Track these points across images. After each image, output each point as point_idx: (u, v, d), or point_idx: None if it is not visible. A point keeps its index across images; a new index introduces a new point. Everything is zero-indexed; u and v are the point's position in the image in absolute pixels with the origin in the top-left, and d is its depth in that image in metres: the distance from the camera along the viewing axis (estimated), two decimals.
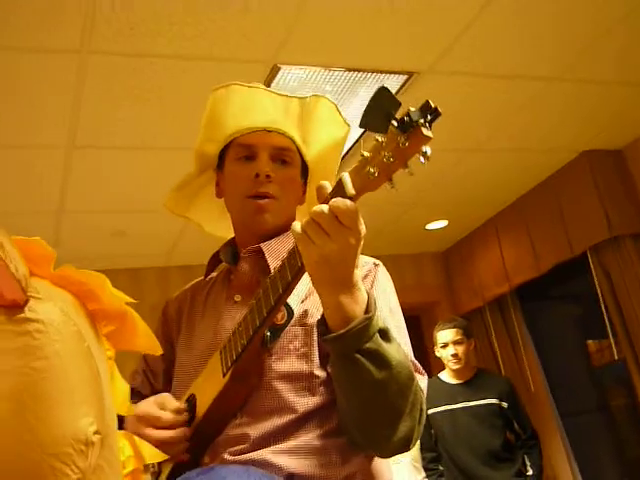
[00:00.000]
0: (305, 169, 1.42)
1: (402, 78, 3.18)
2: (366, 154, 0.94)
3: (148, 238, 4.60)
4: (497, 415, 3.75)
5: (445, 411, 3.77)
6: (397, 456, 1.14)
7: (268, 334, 1.18)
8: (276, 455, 1.13)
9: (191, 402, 1.25)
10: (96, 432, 0.69)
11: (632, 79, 3.54)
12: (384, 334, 1.05)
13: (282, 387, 1.18)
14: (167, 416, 1.18)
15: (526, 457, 3.76)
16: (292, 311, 1.21)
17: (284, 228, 1.34)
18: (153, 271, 5.07)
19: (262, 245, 1.32)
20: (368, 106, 0.90)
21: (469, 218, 5.25)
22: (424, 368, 1.22)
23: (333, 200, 0.95)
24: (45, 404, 0.66)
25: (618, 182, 4.33)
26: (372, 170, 0.92)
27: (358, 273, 1.03)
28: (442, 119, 0.88)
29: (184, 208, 1.52)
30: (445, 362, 3.87)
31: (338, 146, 1.42)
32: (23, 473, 0.64)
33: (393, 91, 3.56)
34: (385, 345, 1.04)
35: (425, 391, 1.16)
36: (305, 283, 1.18)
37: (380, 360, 1.03)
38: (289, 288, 1.08)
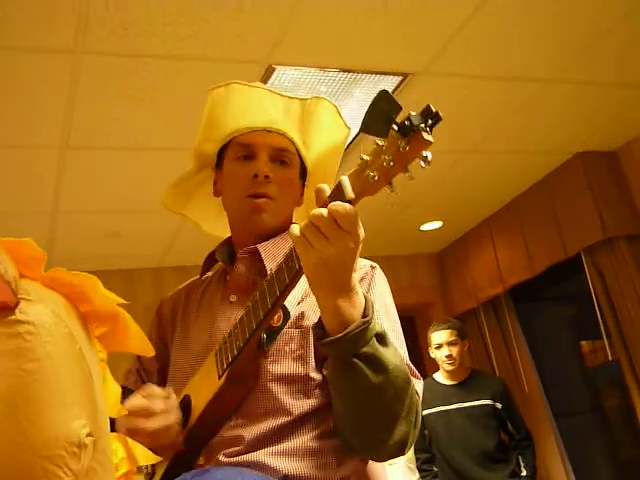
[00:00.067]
0: (304, 171, 1.41)
1: (397, 79, 3.18)
2: (366, 158, 0.93)
3: (142, 239, 4.59)
4: (491, 416, 3.75)
5: (439, 412, 3.77)
6: None
7: (264, 336, 1.17)
8: (271, 457, 1.12)
9: (186, 403, 1.24)
10: (89, 434, 0.69)
11: (628, 81, 3.55)
12: (381, 338, 1.04)
13: (277, 389, 1.17)
14: (157, 404, 1.17)
15: (520, 458, 3.76)
16: (288, 313, 1.20)
17: (281, 229, 1.34)
18: (147, 272, 5.06)
19: (258, 246, 1.31)
20: (369, 110, 0.90)
21: (463, 219, 5.26)
22: (418, 369, 1.22)
23: (332, 204, 0.94)
24: (37, 406, 0.65)
25: (612, 184, 4.34)
26: (372, 174, 0.91)
27: (355, 276, 1.02)
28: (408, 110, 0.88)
29: (181, 205, 1.51)
30: (439, 363, 3.87)
31: (338, 149, 1.42)
32: (15, 475, 0.64)
33: None
34: (382, 349, 1.03)
35: (421, 395, 1.15)
36: (301, 285, 1.18)
37: (377, 364, 1.02)
38: (286, 291, 1.07)
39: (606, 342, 4.34)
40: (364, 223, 0.99)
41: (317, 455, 1.14)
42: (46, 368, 0.66)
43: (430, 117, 0.86)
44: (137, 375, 1.44)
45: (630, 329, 4.09)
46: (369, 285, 1.25)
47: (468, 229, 5.47)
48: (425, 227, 5.30)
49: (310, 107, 1.37)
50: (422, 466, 3.82)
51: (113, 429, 0.94)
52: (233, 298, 1.33)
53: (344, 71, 3.06)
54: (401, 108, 0.88)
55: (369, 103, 0.91)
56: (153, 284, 4.97)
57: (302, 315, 1.23)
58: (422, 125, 0.86)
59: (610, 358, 4.36)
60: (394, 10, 2.69)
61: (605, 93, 3.64)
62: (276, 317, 1.19)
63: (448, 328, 3.84)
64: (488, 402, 3.76)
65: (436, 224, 5.27)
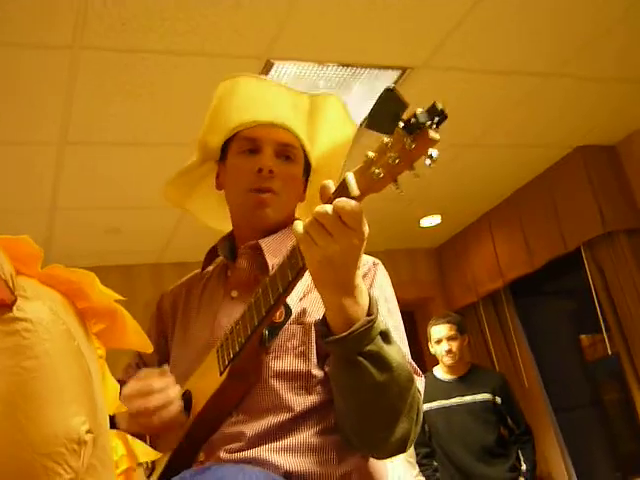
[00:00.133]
0: (307, 167, 1.40)
1: (396, 74, 3.17)
2: (371, 155, 0.92)
3: (141, 235, 4.58)
4: (491, 410, 3.76)
5: (439, 407, 3.78)
6: None
7: (266, 332, 1.17)
8: (272, 453, 1.12)
9: (187, 399, 1.24)
10: (88, 431, 0.69)
11: (628, 76, 3.55)
12: (385, 336, 1.04)
13: (279, 386, 1.17)
14: (157, 382, 1.17)
15: (520, 452, 3.77)
16: (290, 309, 1.20)
17: (283, 224, 1.33)
18: (146, 268, 5.05)
19: (260, 242, 1.30)
20: (375, 106, 0.90)
21: (463, 214, 5.25)
22: (418, 364, 1.21)
23: (337, 200, 0.93)
24: (35, 404, 0.65)
25: (612, 178, 4.34)
26: (377, 171, 0.91)
27: (359, 274, 1.01)
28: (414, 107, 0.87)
29: (182, 197, 1.50)
30: (439, 358, 3.88)
31: (344, 147, 1.41)
32: (16, 473, 0.64)
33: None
34: (386, 347, 1.03)
35: (422, 392, 1.15)
36: (303, 281, 1.16)
37: (381, 363, 1.02)
38: (290, 287, 1.06)
39: (605, 336, 4.34)
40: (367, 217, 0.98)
41: (318, 451, 1.14)
42: (44, 365, 0.66)
43: (436, 115, 0.85)
44: (137, 369, 1.44)
45: (629, 323, 4.09)
46: (371, 282, 1.25)
47: (468, 223, 5.46)
48: (424, 222, 5.29)
49: (318, 103, 1.36)
50: (422, 460, 3.83)
51: (113, 426, 0.94)
52: (234, 294, 1.32)
53: (343, 66, 3.05)
54: (407, 105, 0.88)
55: (375, 99, 0.90)
56: (152, 280, 4.97)
57: (304, 311, 1.22)
58: (428, 123, 0.85)
59: (609, 352, 4.36)
60: (393, 4, 2.68)
61: (605, 87, 3.64)
62: (278, 313, 1.18)
63: (448, 323, 3.84)
64: (488, 397, 3.76)
65: (435, 219, 5.26)
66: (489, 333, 5.31)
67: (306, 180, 1.41)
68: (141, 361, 1.44)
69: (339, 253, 0.95)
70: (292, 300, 1.19)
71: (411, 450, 3.84)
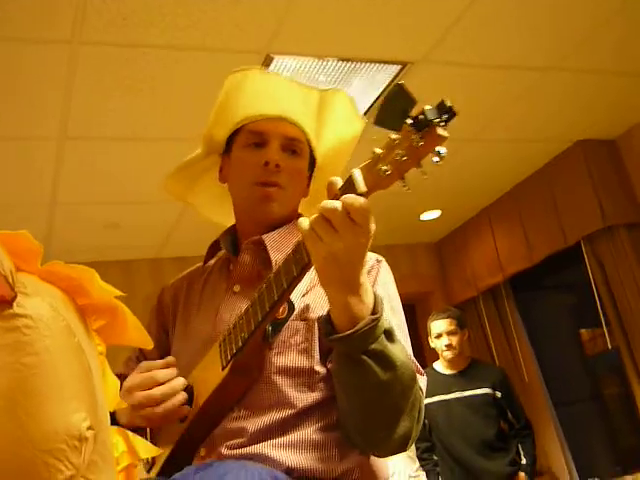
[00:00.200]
0: (312, 162, 1.40)
1: (395, 68, 3.17)
2: (378, 151, 0.92)
3: (141, 230, 4.58)
4: (491, 405, 3.76)
5: (439, 401, 3.78)
6: None
7: (269, 328, 1.17)
8: (274, 449, 1.12)
9: (188, 393, 1.24)
10: (89, 427, 0.69)
11: (628, 69, 3.54)
12: (389, 335, 1.03)
13: (282, 382, 1.17)
14: (160, 372, 1.17)
15: (520, 446, 3.78)
16: (293, 305, 1.19)
17: (288, 219, 1.33)
18: (145, 263, 5.05)
19: (264, 237, 1.30)
20: (384, 103, 0.89)
21: (462, 208, 5.25)
22: (418, 358, 1.21)
23: (346, 196, 0.92)
24: (36, 400, 0.65)
25: (612, 172, 4.34)
26: (384, 168, 0.90)
27: (364, 271, 1.01)
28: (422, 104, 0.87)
29: (184, 190, 1.49)
30: (439, 352, 3.88)
31: (349, 144, 1.40)
32: (17, 470, 0.64)
33: (387, 81, 3.52)
34: (390, 346, 1.03)
35: (424, 391, 1.15)
36: (307, 277, 1.15)
37: (385, 361, 1.02)
38: (294, 283, 1.06)
39: (605, 330, 4.34)
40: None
41: (320, 448, 1.14)
42: (44, 362, 0.66)
43: (445, 112, 0.85)
44: (137, 363, 1.43)
45: (629, 317, 4.10)
46: (375, 279, 1.24)
47: (467, 218, 5.46)
48: (424, 216, 5.29)
49: (327, 99, 1.36)
50: (422, 455, 3.83)
51: (113, 423, 0.94)
52: (237, 288, 1.32)
53: (342, 60, 3.04)
54: (416, 102, 0.87)
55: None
56: (151, 275, 4.97)
57: (307, 307, 1.21)
58: (437, 120, 0.85)
59: (609, 346, 4.37)
60: None
61: (604, 81, 3.63)
62: (281, 309, 1.18)
63: (448, 317, 3.84)
64: (488, 391, 3.77)
65: (435, 213, 5.26)
66: (489, 328, 5.31)
67: (310, 175, 1.41)
68: (141, 354, 1.43)
69: (345, 250, 0.94)
70: (295, 296, 1.19)
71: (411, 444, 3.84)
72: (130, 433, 0.89)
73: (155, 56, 2.77)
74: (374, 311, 1.01)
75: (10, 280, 0.65)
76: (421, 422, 1.11)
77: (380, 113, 0.89)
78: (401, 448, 1.09)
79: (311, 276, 1.13)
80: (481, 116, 3.81)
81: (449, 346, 3.79)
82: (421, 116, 0.85)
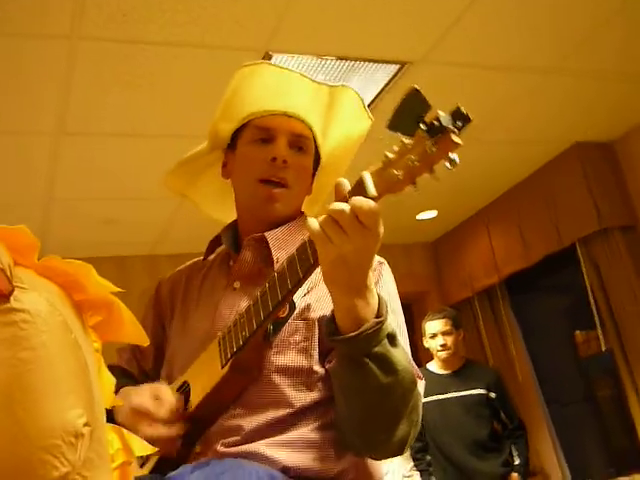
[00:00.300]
0: (317, 159, 1.39)
1: (394, 68, 3.17)
2: (390, 155, 0.91)
3: (137, 226, 4.57)
4: (484, 405, 3.76)
5: (434, 401, 3.78)
6: None
7: (270, 327, 1.16)
8: (270, 448, 1.12)
9: (185, 390, 1.23)
10: (86, 424, 0.68)
11: (627, 72, 3.54)
12: (392, 338, 1.03)
13: (280, 381, 1.16)
14: (163, 413, 1.15)
15: (513, 447, 3.78)
16: (294, 304, 1.19)
17: (290, 217, 1.32)
18: (141, 259, 5.04)
19: (266, 234, 1.29)
20: (398, 107, 0.88)
21: (459, 209, 5.25)
22: (413, 357, 1.21)
23: (356, 199, 0.91)
24: (32, 396, 0.65)
25: (608, 174, 4.35)
26: (396, 172, 0.90)
27: (371, 274, 1.00)
28: (436, 109, 0.86)
29: (185, 185, 1.48)
30: (434, 352, 3.88)
31: (356, 142, 1.40)
32: (12, 466, 0.63)
33: (385, 80, 3.50)
34: (392, 350, 1.02)
35: (422, 395, 1.15)
36: None
37: (387, 365, 1.01)
38: (298, 284, 1.05)
39: (600, 332, 4.35)
40: None
41: (317, 447, 1.13)
42: (41, 357, 0.66)
43: (460, 118, 0.85)
44: (131, 354, 1.43)
45: (624, 319, 4.10)
46: (377, 282, 1.23)
47: (464, 218, 5.47)
48: (421, 216, 5.29)
49: (336, 96, 1.35)
50: (416, 455, 3.83)
51: (110, 419, 0.93)
52: (237, 285, 1.31)
53: (341, 59, 3.04)
54: (430, 107, 0.86)
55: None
56: (147, 271, 4.96)
57: (308, 307, 1.21)
58: (451, 126, 0.84)
59: (603, 348, 4.37)
60: None
61: (602, 84, 3.63)
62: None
63: (443, 317, 3.84)
64: (482, 391, 3.77)
65: (431, 213, 5.26)
66: (484, 328, 5.32)
67: (314, 172, 1.40)
68: (136, 346, 1.42)
69: (354, 252, 0.93)
70: (296, 295, 1.17)
71: None
72: (125, 430, 0.89)
73: (154, 52, 2.77)
74: (378, 314, 1.01)
75: (8, 274, 0.64)
76: (419, 426, 1.10)
77: (394, 117, 0.89)
78: (398, 452, 1.09)
79: (312, 276, 1.13)
80: (478, 117, 3.78)
81: (444, 346, 3.79)
82: (435, 122, 0.85)
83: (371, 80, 3.24)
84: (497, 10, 2.85)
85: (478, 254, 5.29)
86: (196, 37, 2.71)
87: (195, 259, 1.48)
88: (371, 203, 0.91)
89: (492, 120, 3.84)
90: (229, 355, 1.15)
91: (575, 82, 3.57)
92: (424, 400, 3.94)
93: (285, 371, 1.17)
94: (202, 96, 3.01)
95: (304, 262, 1.01)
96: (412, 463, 3.84)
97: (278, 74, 1.33)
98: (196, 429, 1.18)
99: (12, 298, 0.65)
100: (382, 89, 3.31)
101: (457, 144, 0.85)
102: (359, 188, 0.93)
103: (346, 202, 0.92)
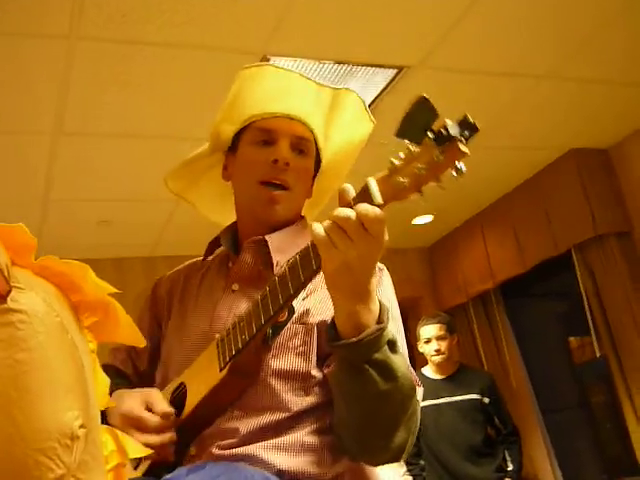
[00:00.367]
0: (317, 162, 1.38)
1: (392, 72, 3.17)
2: (396, 162, 0.91)
3: (134, 227, 4.56)
4: (478, 410, 3.76)
5: (428, 406, 3.78)
6: None
7: (269, 331, 1.16)
8: (266, 451, 1.11)
9: (181, 391, 1.23)
10: (81, 426, 0.68)
11: (625, 79, 3.55)
12: (392, 345, 1.03)
13: (278, 385, 1.16)
14: (154, 421, 1.14)
15: (506, 452, 3.77)
16: (293, 309, 1.19)
17: (291, 220, 1.32)
18: (138, 261, 5.03)
19: (267, 237, 1.28)
20: (406, 115, 0.88)
21: (454, 214, 5.26)
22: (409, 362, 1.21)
23: (362, 205, 0.91)
24: (28, 397, 0.64)
25: (604, 181, 4.36)
26: (402, 180, 0.90)
27: (373, 281, 1.00)
28: (444, 118, 0.86)
29: (185, 186, 1.47)
30: (428, 357, 3.88)
31: (357, 146, 1.39)
32: (7, 468, 0.63)
33: (382, 85, 3.49)
34: (392, 357, 1.02)
35: (421, 402, 1.14)
36: None
37: (387, 372, 1.01)
38: (300, 289, 1.05)
39: (594, 338, 4.36)
40: None
41: (312, 451, 1.13)
42: (38, 358, 0.65)
43: (467, 127, 0.85)
44: (126, 354, 1.42)
45: (618, 326, 4.11)
46: (377, 287, 1.23)
47: (459, 224, 5.47)
48: (416, 221, 5.29)
49: (339, 99, 1.35)
50: (410, 460, 3.82)
51: (103, 420, 0.93)
52: (235, 287, 1.30)
53: (339, 63, 3.04)
54: (439, 115, 0.86)
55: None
56: (144, 273, 4.95)
57: (307, 311, 1.20)
58: (459, 135, 0.84)
59: (598, 354, 4.38)
60: (390, 2, 2.67)
61: (599, 91, 3.64)
62: None
63: (437, 322, 3.84)
64: (476, 397, 3.77)
65: (427, 218, 5.27)
66: (478, 333, 5.32)
67: (314, 176, 1.39)
68: (132, 346, 1.40)
69: (357, 259, 0.93)
70: (296, 300, 1.17)
71: None
72: (119, 432, 0.88)
73: (153, 53, 2.77)
74: (379, 320, 1.00)
75: (6, 274, 0.64)
76: (416, 433, 1.10)
77: (402, 125, 0.89)
78: (396, 458, 1.09)
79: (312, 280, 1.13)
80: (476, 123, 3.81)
81: (438, 351, 3.79)
82: (443, 131, 0.85)
83: (369, 84, 3.24)
84: (495, 15, 2.85)
85: (473, 259, 5.29)
86: (194, 38, 2.71)
87: (194, 259, 1.48)
88: (377, 211, 0.91)
89: (489, 126, 3.85)
90: (228, 358, 1.14)
91: (570, 89, 3.58)
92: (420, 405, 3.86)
93: (283, 375, 1.16)
94: (200, 97, 3.01)
95: (306, 267, 1.01)
96: (405, 468, 3.83)
97: (280, 76, 1.33)
98: (191, 431, 1.18)
99: (9, 298, 0.65)
100: (380, 93, 3.32)
101: (464, 153, 0.85)
102: (364, 195, 0.93)
103: (351, 208, 0.92)
